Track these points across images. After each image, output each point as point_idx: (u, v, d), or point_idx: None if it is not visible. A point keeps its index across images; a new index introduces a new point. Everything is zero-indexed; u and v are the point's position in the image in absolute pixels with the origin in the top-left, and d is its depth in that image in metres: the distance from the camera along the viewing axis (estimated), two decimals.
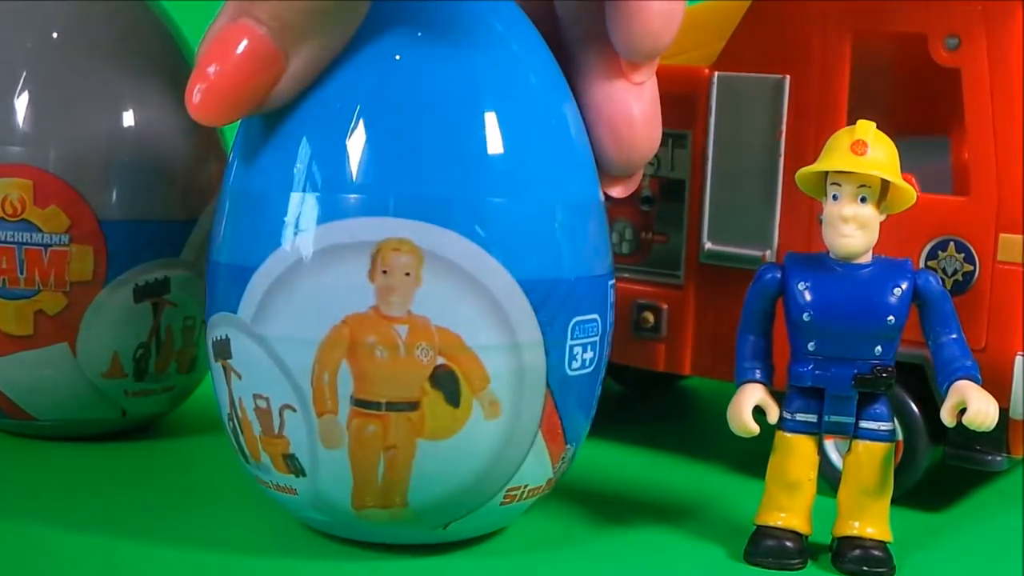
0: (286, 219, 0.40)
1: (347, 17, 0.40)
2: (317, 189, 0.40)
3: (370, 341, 0.40)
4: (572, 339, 0.42)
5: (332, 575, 0.43)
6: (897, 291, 0.43)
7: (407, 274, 0.39)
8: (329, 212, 0.40)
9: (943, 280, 0.46)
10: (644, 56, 0.43)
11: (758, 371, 0.45)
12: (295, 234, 0.40)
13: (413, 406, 0.40)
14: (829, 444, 0.49)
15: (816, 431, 0.45)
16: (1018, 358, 0.47)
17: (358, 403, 0.40)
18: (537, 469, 0.43)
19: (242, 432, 0.43)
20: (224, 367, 0.42)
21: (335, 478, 0.41)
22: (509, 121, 0.41)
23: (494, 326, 0.40)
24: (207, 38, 0.40)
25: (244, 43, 0.39)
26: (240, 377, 0.42)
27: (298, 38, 0.40)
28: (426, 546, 0.44)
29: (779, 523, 0.44)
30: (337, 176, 0.40)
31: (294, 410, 0.41)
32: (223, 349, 0.42)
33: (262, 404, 0.41)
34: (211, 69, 0.40)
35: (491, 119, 0.41)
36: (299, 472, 0.42)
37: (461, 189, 0.40)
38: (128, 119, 0.52)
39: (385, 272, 0.39)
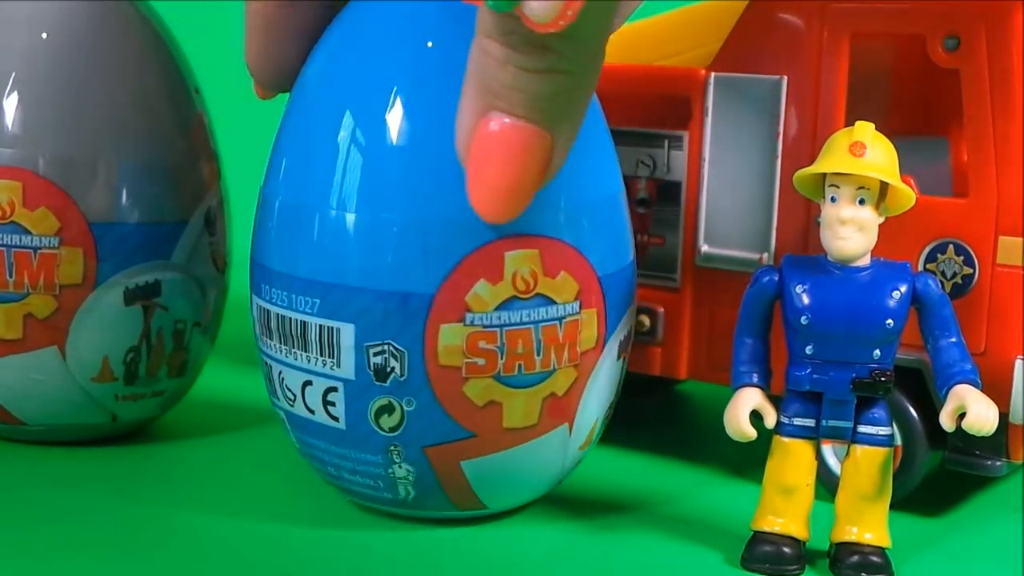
0: None
1: (595, 80, 0.40)
2: None
3: None
4: None
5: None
6: (896, 294, 0.43)
7: None
8: None
9: (942, 283, 0.46)
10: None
11: (755, 375, 0.45)
12: None
13: None
14: (827, 449, 0.49)
15: (814, 436, 0.44)
16: (1018, 362, 0.46)
17: None
18: None
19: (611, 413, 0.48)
20: (624, 359, 0.48)
21: None
22: None
23: None
24: (467, 137, 0.40)
25: (510, 139, 0.40)
26: (628, 357, 0.48)
27: (557, 118, 0.40)
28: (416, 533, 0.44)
29: (776, 529, 0.44)
30: None
31: None
32: (630, 339, 0.48)
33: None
34: (490, 172, 0.40)
35: None
36: None
37: None
38: (118, 120, 0.51)
39: None
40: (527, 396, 0.44)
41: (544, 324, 0.43)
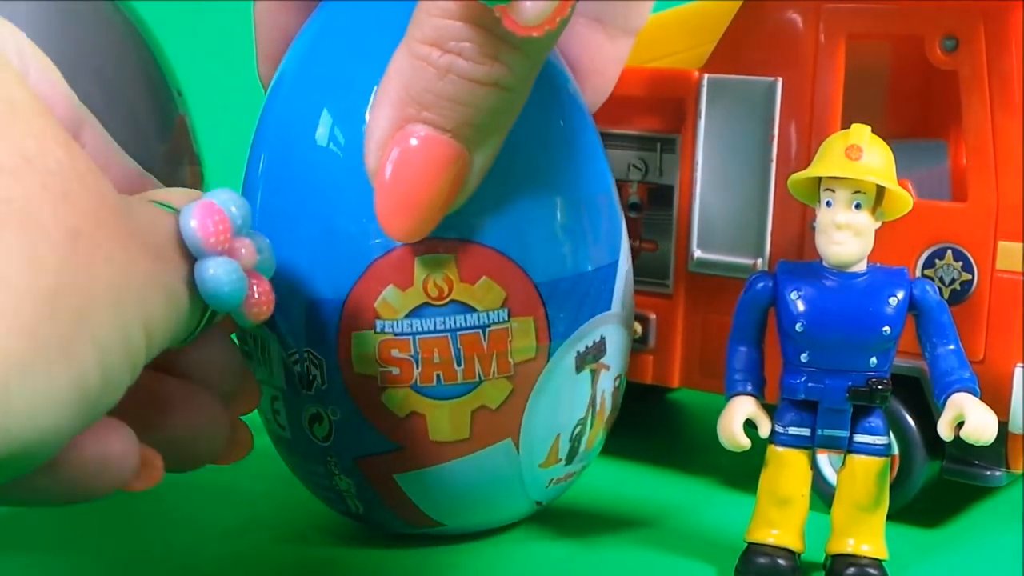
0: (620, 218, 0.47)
1: (521, 103, 0.39)
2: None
3: None
4: None
5: None
6: (893, 300, 0.43)
7: None
8: None
9: (940, 289, 0.46)
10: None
11: (749, 383, 0.44)
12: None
13: None
14: (822, 458, 0.49)
15: (809, 445, 0.44)
16: (1017, 370, 0.46)
17: None
18: None
19: (591, 427, 0.46)
20: (593, 371, 0.45)
21: None
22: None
23: None
24: (380, 147, 0.38)
25: (432, 153, 0.38)
26: (608, 368, 0.46)
27: (483, 137, 0.38)
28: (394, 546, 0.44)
29: (771, 540, 0.44)
30: None
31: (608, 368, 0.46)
32: (599, 350, 0.45)
33: (617, 383, 0.47)
34: (404, 188, 0.38)
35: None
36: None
37: None
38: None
39: None
40: (451, 408, 0.42)
41: (463, 332, 0.42)
